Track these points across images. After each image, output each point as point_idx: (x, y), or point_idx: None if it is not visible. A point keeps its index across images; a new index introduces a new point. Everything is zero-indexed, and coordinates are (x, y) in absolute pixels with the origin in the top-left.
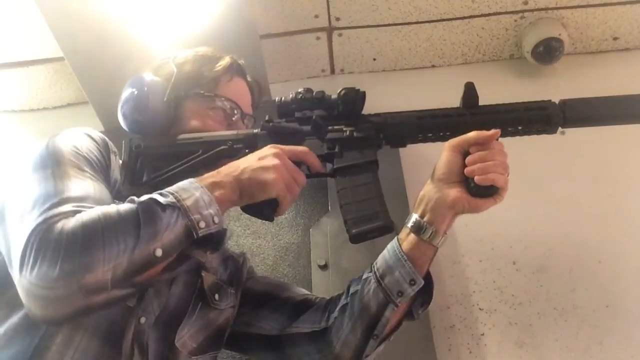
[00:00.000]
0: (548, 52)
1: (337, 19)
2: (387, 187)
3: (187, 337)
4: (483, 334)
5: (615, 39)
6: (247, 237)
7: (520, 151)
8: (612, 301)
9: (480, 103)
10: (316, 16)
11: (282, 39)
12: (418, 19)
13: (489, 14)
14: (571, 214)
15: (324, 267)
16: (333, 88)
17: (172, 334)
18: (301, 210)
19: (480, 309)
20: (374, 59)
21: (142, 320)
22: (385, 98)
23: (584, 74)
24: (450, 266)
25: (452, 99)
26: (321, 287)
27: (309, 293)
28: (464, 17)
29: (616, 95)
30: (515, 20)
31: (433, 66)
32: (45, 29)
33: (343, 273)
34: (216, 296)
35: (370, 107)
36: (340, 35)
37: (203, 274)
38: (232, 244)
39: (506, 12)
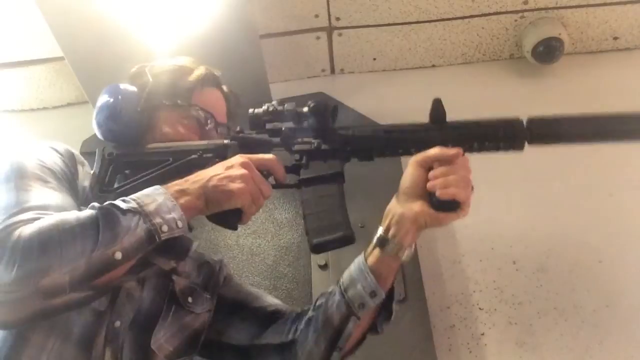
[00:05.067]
0: (548, 51)
1: (337, 19)
2: (387, 188)
3: (163, 340)
4: (483, 334)
5: (615, 38)
6: (247, 237)
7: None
8: (612, 301)
9: (481, 103)
10: (316, 16)
11: (282, 39)
12: (418, 19)
13: (489, 14)
14: (571, 214)
15: (324, 267)
16: (333, 88)
17: (147, 337)
18: (301, 210)
19: (480, 308)
20: (374, 59)
21: (117, 324)
22: (385, 98)
23: (584, 74)
24: (450, 266)
25: (452, 99)
26: (321, 287)
27: (280, 303)
28: (464, 17)
29: (585, 113)
30: (516, 20)
31: (433, 66)
32: (45, 29)
33: (343, 273)
34: (189, 299)
35: (371, 106)
36: (340, 35)
37: (174, 278)
38: (232, 244)
39: (506, 12)
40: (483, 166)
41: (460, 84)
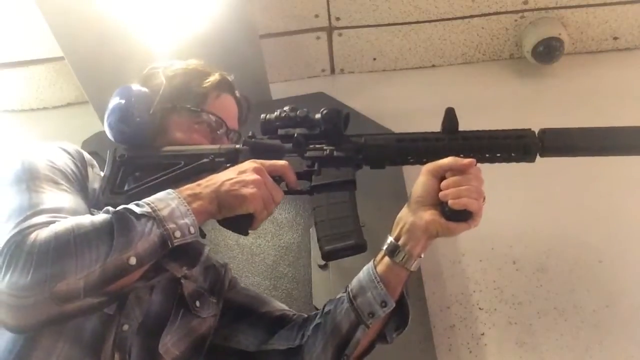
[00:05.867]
0: (548, 51)
1: (337, 19)
2: (387, 187)
3: (170, 344)
4: (483, 334)
5: (615, 38)
6: (247, 236)
7: None
8: (612, 301)
9: (481, 102)
10: (316, 16)
11: (282, 39)
12: (418, 19)
13: (489, 14)
14: (571, 214)
15: (324, 267)
16: (333, 88)
17: (155, 340)
18: (301, 210)
19: (480, 308)
20: (374, 59)
21: (125, 327)
22: (385, 98)
23: (584, 74)
24: (450, 266)
25: (452, 99)
26: (321, 287)
27: (287, 308)
28: (464, 17)
29: (596, 127)
30: (516, 20)
31: (433, 66)
32: (45, 29)
33: (343, 273)
34: (197, 303)
35: (371, 106)
36: (340, 35)
37: (183, 282)
38: (232, 244)
39: (506, 12)
40: (483, 166)
41: (460, 84)
